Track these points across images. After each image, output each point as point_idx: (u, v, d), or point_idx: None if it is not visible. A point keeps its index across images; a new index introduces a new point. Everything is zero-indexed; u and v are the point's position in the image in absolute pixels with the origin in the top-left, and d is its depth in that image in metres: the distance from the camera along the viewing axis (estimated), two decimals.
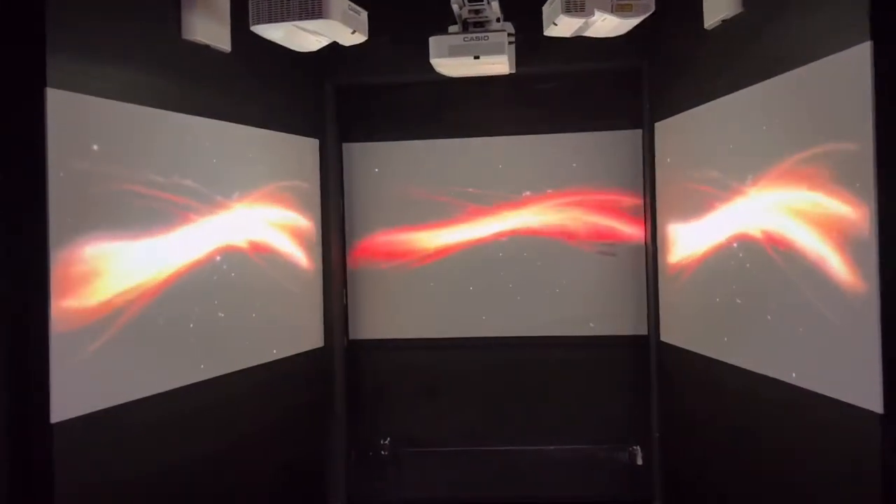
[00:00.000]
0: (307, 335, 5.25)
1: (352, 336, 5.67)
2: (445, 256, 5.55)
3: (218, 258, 4.36)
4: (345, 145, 5.65)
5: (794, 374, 3.53)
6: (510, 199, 5.52)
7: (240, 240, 4.56)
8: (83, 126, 3.48)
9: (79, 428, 3.39)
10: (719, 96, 4.17)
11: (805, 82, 3.40)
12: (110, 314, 3.61)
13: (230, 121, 4.48)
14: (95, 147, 3.54)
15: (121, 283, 3.68)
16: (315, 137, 5.35)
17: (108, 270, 3.60)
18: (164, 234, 3.96)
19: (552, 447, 5.44)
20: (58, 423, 3.29)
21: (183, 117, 4.11)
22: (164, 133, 3.99)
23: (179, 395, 3.99)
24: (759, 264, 3.81)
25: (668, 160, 4.92)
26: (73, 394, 3.38)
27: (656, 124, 5.06)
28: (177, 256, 4.06)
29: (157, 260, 3.91)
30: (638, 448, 5.36)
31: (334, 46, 3.82)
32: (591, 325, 5.44)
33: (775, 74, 3.60)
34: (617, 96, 5.41)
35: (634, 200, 5.39)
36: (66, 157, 3.38)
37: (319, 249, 5.34)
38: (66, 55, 3.37)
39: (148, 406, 3.78)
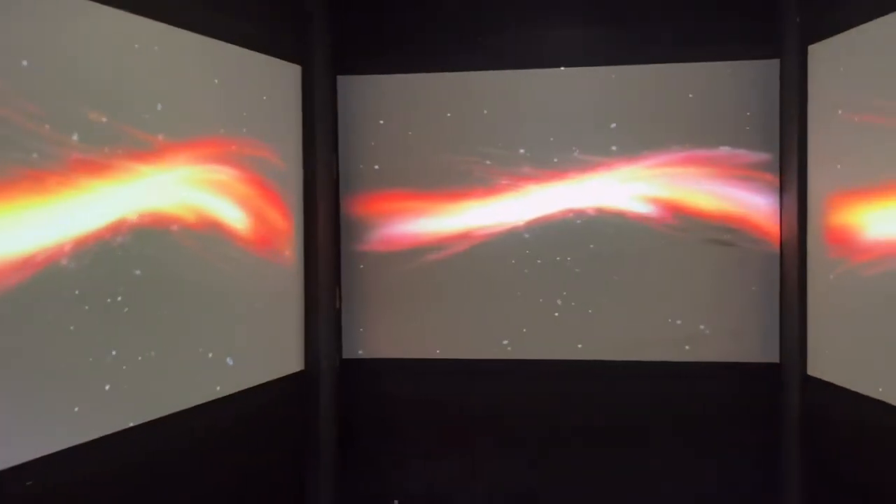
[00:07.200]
0: (279, 355, 3.74)
1: (345, 354, 4.23)
2: (483, 242, 4.10)
3: (120, 238, 2.70)
4: (340, 78, 4.19)
5: None
6: (580, 161, 4.04)
7: (161, 206, 2.93)
8: None
9: None
10: None
11: None
12: None
13: (153, 18, 2.90)
14: None
15: None
16: (296, 63, 3.83)
17: None
18: (28, 192, 2.30)
19: None
20: None
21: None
22: (30, 20, 2.32)
23: (64, 459, 2.45)
24: None
25: (831, 102, 3.44)
26: None
27: (810, 47, 3.62)
28: (43, 233, 2.40)
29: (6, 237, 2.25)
30: None
31: None
32: (687, 347, 4.00)
33: None
34: (743, 7, 3.96)
35: (766, 164, 3.91)
36: None
37: (301, 227, 3.86)
38: None
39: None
